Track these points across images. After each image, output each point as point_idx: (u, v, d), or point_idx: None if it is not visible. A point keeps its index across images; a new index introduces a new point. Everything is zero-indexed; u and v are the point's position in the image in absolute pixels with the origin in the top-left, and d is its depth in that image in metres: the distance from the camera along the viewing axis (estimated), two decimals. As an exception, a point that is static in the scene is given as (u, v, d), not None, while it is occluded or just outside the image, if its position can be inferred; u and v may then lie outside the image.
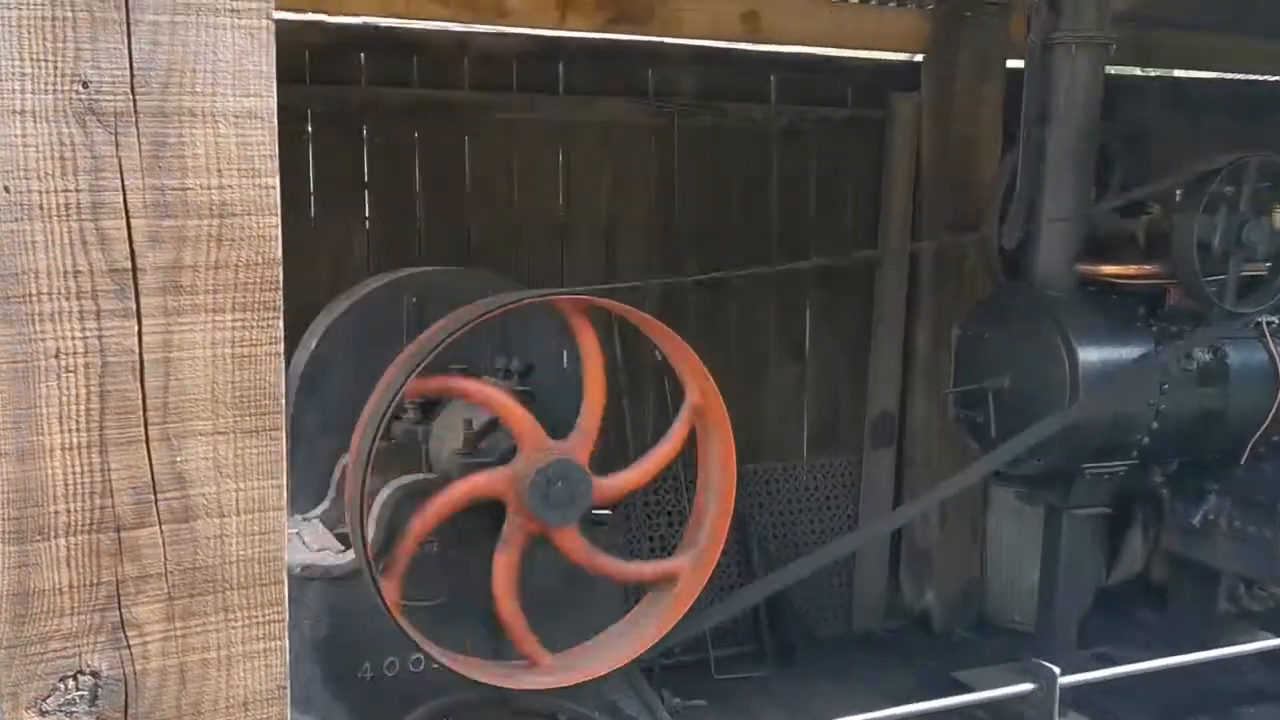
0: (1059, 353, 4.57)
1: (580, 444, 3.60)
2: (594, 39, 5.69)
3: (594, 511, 4.36)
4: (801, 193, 6.42)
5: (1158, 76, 7.36)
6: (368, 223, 5.49)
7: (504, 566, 3.47)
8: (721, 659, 6.04)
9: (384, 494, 3.69)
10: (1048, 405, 4.59)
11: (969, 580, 6.64)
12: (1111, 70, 7.45)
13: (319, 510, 4.15)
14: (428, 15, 5.14)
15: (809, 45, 6.11)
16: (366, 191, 5.48)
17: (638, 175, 6.02)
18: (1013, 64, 6.27)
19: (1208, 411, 4.81)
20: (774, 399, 6.54)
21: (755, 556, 6.33)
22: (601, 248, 5.96)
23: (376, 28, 5.33)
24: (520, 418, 3.51)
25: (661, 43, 5.88)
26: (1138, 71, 7.33)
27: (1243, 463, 5.01)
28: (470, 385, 3.54)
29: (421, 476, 3.73)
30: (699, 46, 5.97)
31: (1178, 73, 7.36)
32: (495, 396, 3.52)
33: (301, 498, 4.21)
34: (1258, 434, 4.91)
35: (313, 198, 5.38)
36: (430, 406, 4.06)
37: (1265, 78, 7.22)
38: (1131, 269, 4.69)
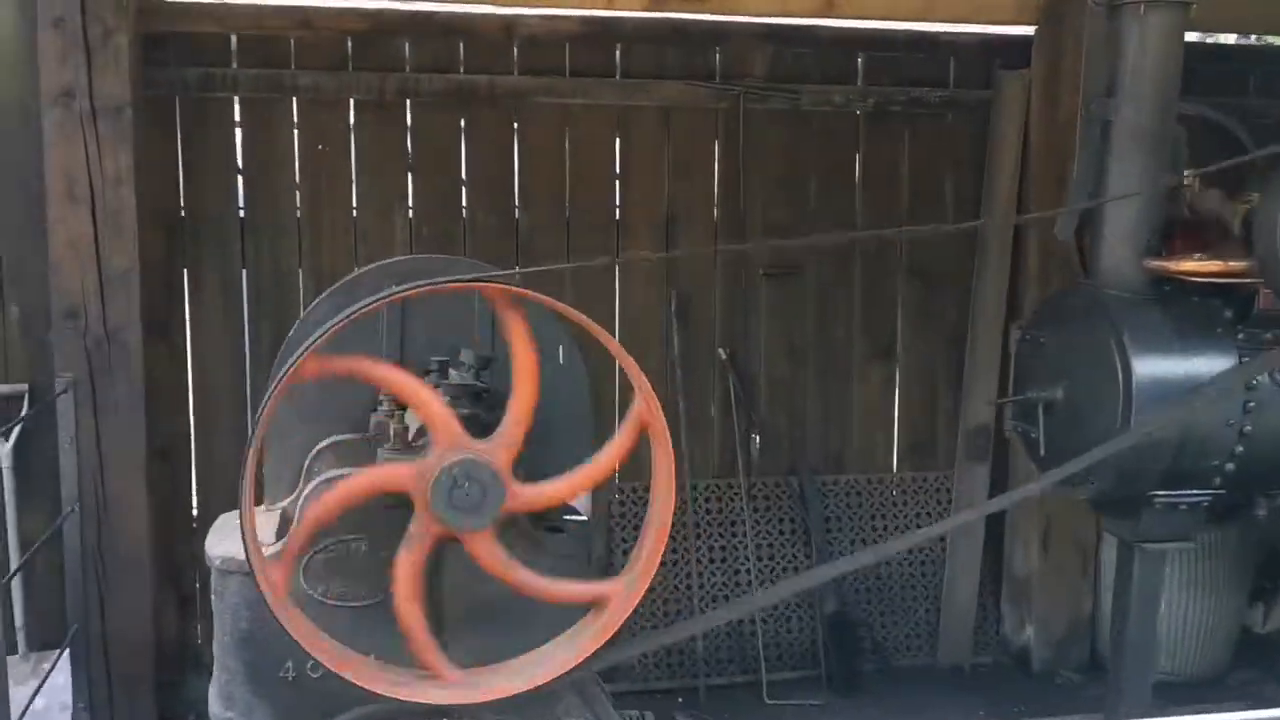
0: (1112, 362, 3.93)
1: (501, 446, 3.34)
2: (652, 19, 5.40)
3: (568, 518, 4.13)
4: (891, 183, 5.90)
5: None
6: (411, 212, 5.40)
7: (405, 566, 3.24)
8: (776, 683, 5.62)
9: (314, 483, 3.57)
10: (1100, 422, 3.97)
11: (1076, 616, 5.93)
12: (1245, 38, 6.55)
13: (286, 501, 4.08)
14: (469, -1, 5.00)
15: (898, 20, 5.59)
16: (410, 180, 5.38)
17: (702, 164, 5.68)
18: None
19: (1311, 435, 4.03)
20: (860, 404, 6.05)
21: (835, 584, 5.86)
22: (661, 241, 5.66)
23: (427, 14, 5.24)
24: (432, 409, 3.28)
25: (727, 21, 5.52)
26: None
27: (1363, 501, 4.18)
28: (378, 370, 3.33)
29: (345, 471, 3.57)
30: (771, 24, 5.57)
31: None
32: (405, 384, 3.29)
33: (278, 487, 4.15)
34: (1384, 465, 4.08)
35: (354, 185, 5.34)
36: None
37: None
38: (1210, 265, 3.97)
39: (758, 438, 5.89)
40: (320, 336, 3.12)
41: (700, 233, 5.70)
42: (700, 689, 5.57)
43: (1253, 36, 6.78)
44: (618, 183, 5.61)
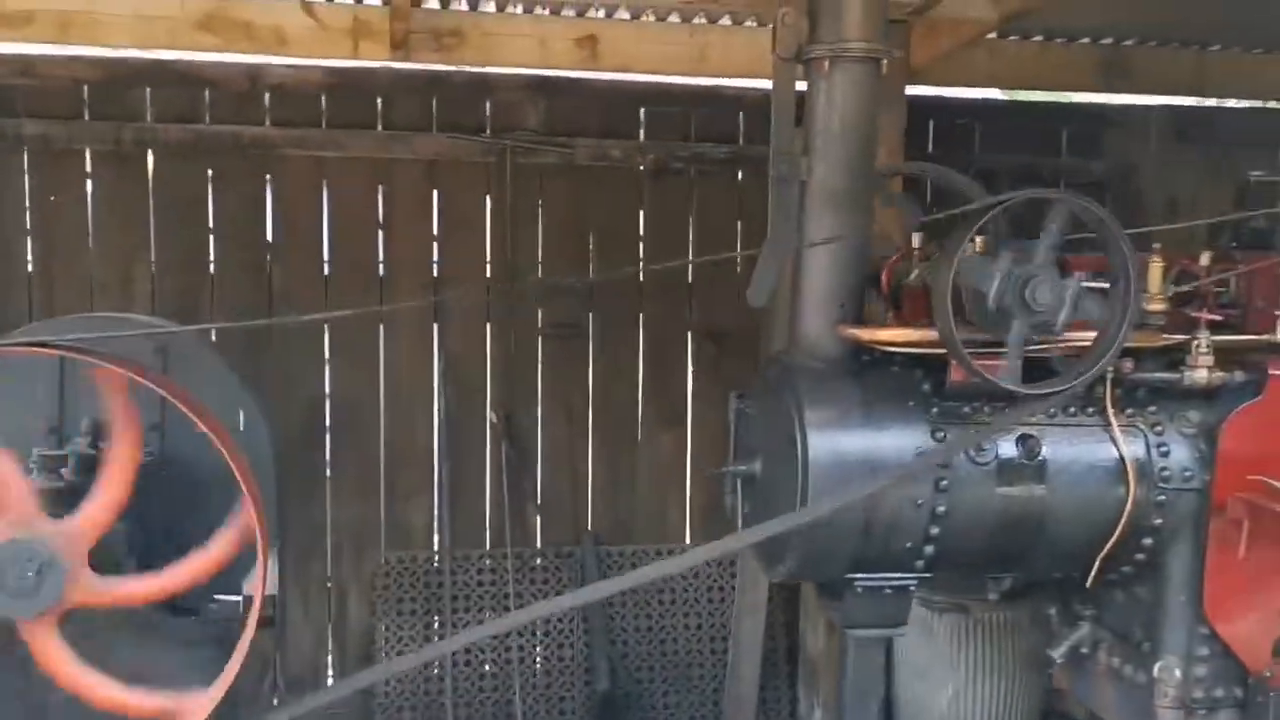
0: (794, 437, 3.65)
1: (77, 531, 3.07)
2: (408, 70, 5.21)
3: (220, 598, 3.87)
4: (678, 239, 5.67)
5: (1161, 106, 6.16)
6: (153, 265, 5.17)
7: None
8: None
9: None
10: (786, 500, 3.69)
11: (880, 699, 5.60)
12: (1098, 98, 6.43)
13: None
14: (193, 45, 4.79)
15: (669, 74, 5.39)
16: (152, 231, 5.17)
17: (472, 219, 5.47)
18: (913, 90, 5.38)
19: (1015, 518, 3.74)
20: (648, 471, 5.78)
21: (609, 660, 5.55)
22: (429, 298, 5.43)
23: (162, 63, 5.06)
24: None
25: (492, 73, 5.33)
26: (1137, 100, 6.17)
27: (1089, 585, 3.89)
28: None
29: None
30: (541, 76, 5.39)
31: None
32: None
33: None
34: (1105, 550, 3.79)
35: (90, 240, 5.12)
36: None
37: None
38: (906, 334, 3.70)
39: (535, 506, 5.61)
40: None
41: (472, 289, 5.47)
42: (449, 775, 5.26)
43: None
44: (381, 238, 5.38)
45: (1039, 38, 5.62)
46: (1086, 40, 5.66)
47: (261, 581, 3.15)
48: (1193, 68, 5.85)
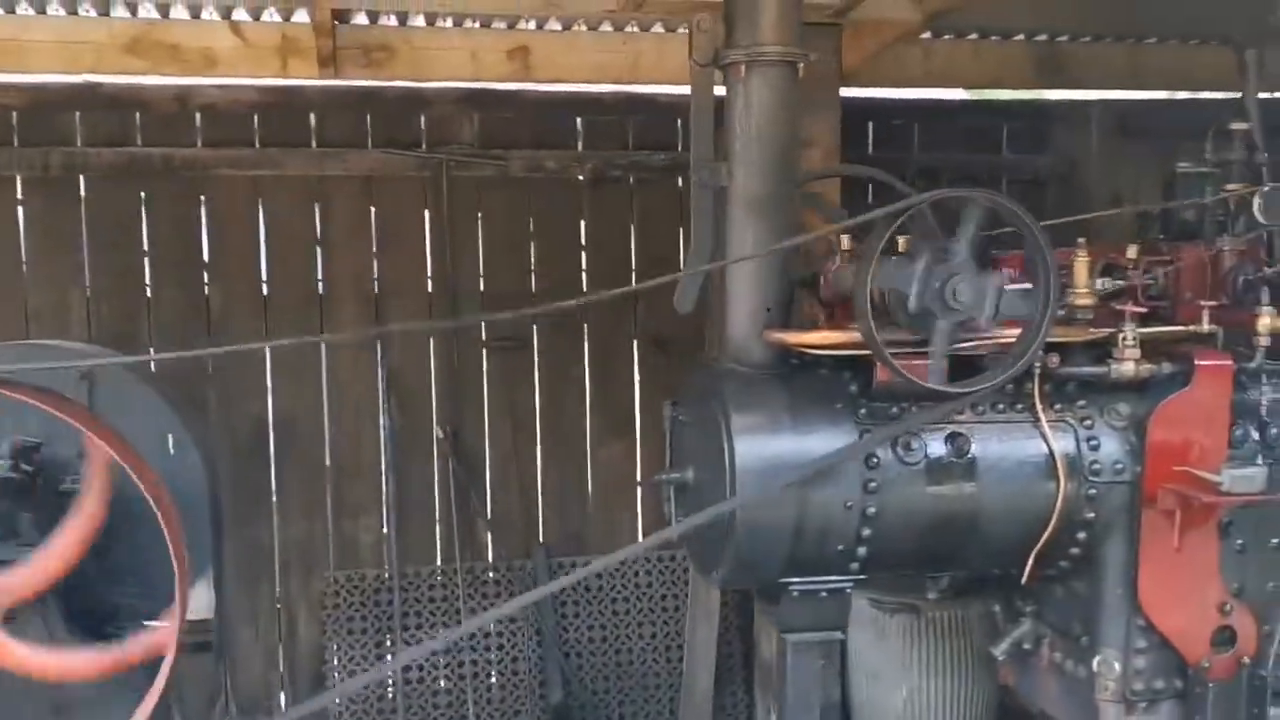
0: (720, 443, 3.64)
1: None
2: (339, 86, 5.19)
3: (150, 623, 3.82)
4: (620, 247, 5.66)
5: (1099, 100, 6.18)
6: (89, 292, 5.13)
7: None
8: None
9: None
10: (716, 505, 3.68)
11: (824, 703, 5.58)
12: (1040, 93, 6.45)
13: None
14: (121, 69, 4.77)
15: (602, 83, 5.38)
16: (86, 256, 5.12)
17: (411, 234, 5.44)
18: (848, 92, 5.38)
19: (946, 516, 3.73)
20: (599, 481, 5.76)
21: (563, 672, 5.53)
22: (370, 315, 5.40)
23: (91, 86, 5.02)
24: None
25: (424, 87, 5.31)
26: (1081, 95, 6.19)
27: (1025, 582, 3.89)
28: None
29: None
30: (473, 89, 5.37)
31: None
32: None
33: None
34: (1038, 546, 3.79)
35: (25, 267, 5.07)
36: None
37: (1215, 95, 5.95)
38: (832, 337, 3.69)
39: (485, 520, 5.58)
40: None
41: (413, 304, 5.46)
42: (398, 791, 5.23)
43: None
44: (319, 255, 5.35)
45: (973, 36, 5.64)
46: (1020, 37, 5.69)
47: (180, 609, 3.11)
48: (1128, 61, 5.89)
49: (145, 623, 3.76)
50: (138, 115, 5.09)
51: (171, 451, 3.99)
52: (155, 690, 3.07)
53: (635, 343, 5.71)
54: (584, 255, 5.60)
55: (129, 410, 3.74)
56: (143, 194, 5.14)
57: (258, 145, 5.19)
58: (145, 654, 3.12)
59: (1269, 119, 3.87)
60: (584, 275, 5.59)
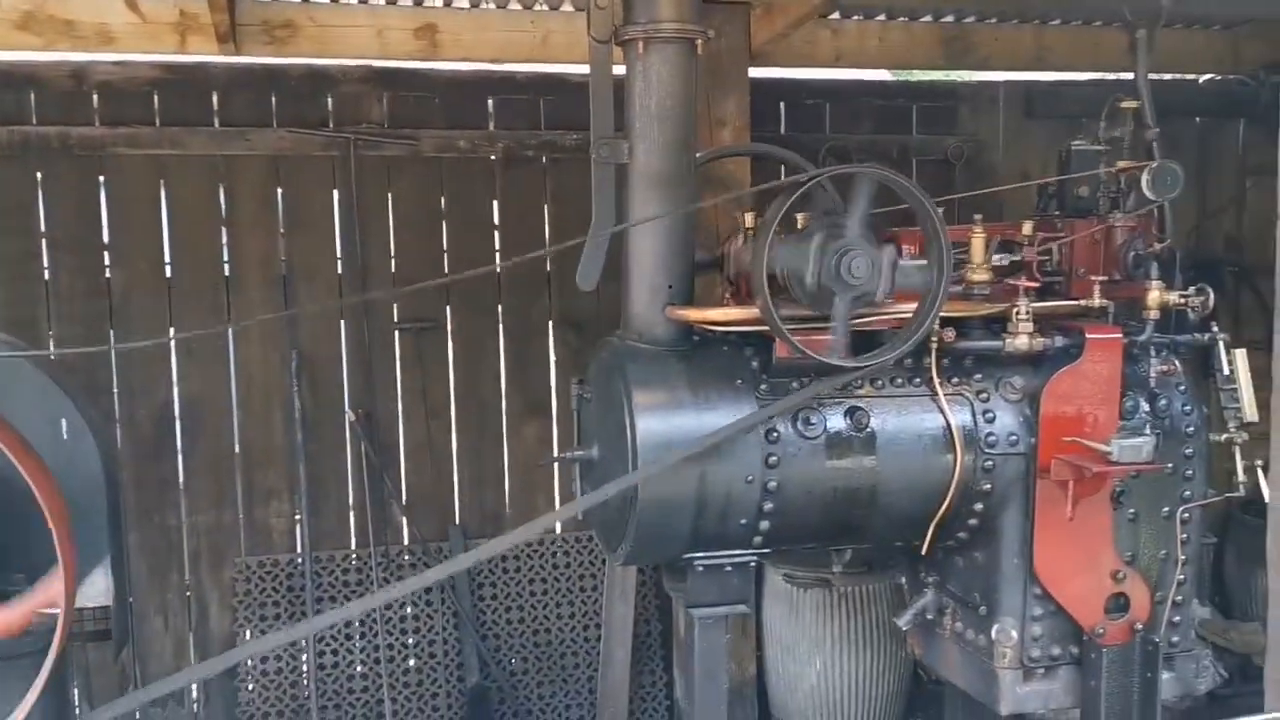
0: (622, 420, 3.66)
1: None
2: (251, 64, 5.09)
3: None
4: (533, 227, 5.63)
5: (1006, 81, 6.28)
6: (-16, 277, 5.00)
7: None
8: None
9: None
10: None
11: (738, 678, 5.65)
12: (946, 75, 6.55)
13: None
14: (12, 45, 4.64)
15: (510, 62, 5.34)
16: (-21, 241, 4.99)
17: (319, 214, 5.36)
18: (759, 73, 5.41)
19: (847, 490, 3.78)
20: (515, 463, 5.74)
21: (480, 655, 5.51)
22: (278, 298, 5.31)
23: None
24: None
25: (333, 65, 5.23)
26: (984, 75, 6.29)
27: (925, 553, 3.95)
28: None
29: None
30: (381, 68, 5.30)
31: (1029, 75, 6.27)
32: None
33: None
34: (937, 517, 3.85)
35: (-87, 252, 4.93)
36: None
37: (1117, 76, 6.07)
38: (730, 313, 3.73)
39: (400, 504, 5.54)
40: None
41: (322, 286, 5.38)
42: (316, 779, 5.18)
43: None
44: (225, 236, 5.25)
45: (881, 17, 5.69)
46: (928, 19, 5.75)
47: (67, 597, 3.05)
48: (1034, 43, 5.98)
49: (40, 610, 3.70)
50: (32, 93, 4.94)
51: (65, 437, 3.90)
52: (45, 669, 3.01)
53: (550, 324, 5.69)
54: (497, 235, 5.57)
55: (18, 393, 3.65)
56: (39, 174, 5.00)
57: (158, 124, 5.07)
58: (28, 615, 3.05)
59: (1158, 97, 3.96)
60: (497, 255, 5.55)
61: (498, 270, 5.38)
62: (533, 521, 3.57)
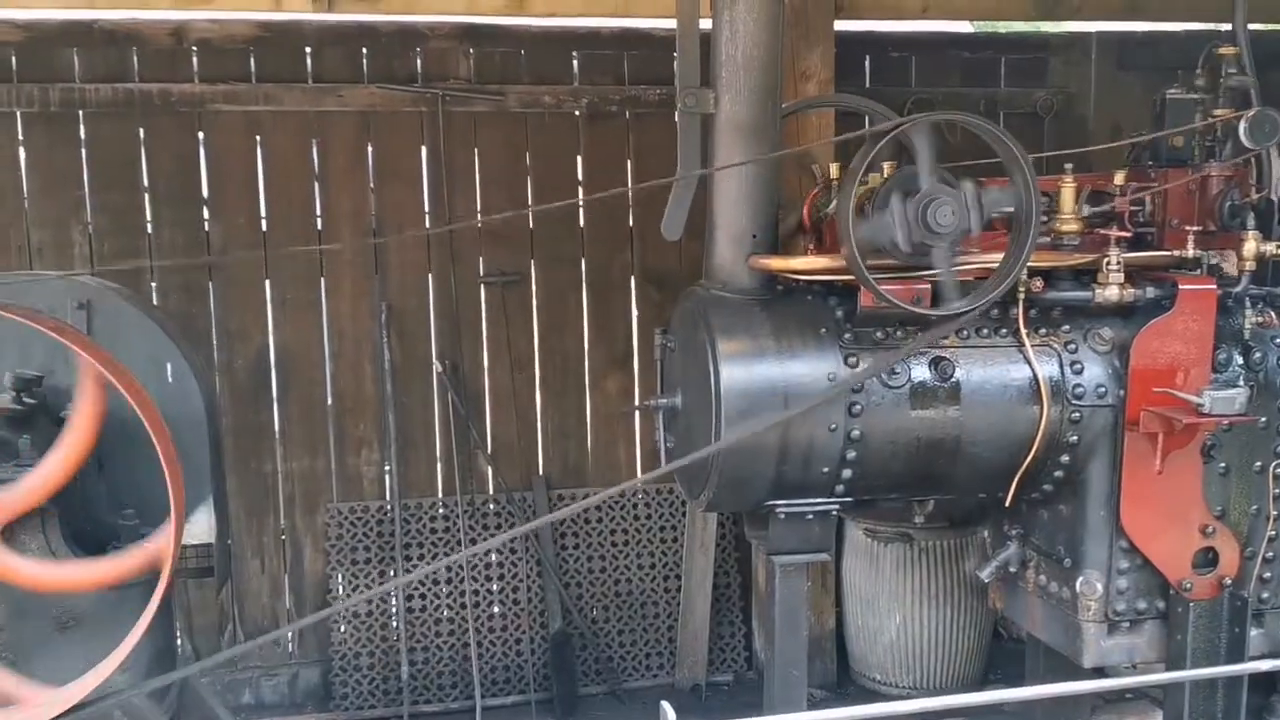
0: (707, 368, 3.70)
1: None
2: (336, 21, 5.20)
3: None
4: (616, 182, 5.67)
5: (1097, 33, 6.14)
6: (90, 228, 5.19)
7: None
8: (494, 709, 5.40)
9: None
10: (704, 430, 3.74)
11: (818, 631, 5.70)
12: (1039, 26, 6.41)
13: None
14: (118, 4, 4.80)
15: (596, 16, 5.38)
16: (88, 193, 5.17)
17: (408, 169, 5.47)
18: (842, 25, 5.37)
19: (930, 440, 3.79)
20: (597, 415, 5.82)
21: (563, 601, 5.63)
22: (368, 250, 5.44)
23: (88, 22, 5.04)
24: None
25: (422, 22, 5.32)
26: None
27: (1009, 504, 3.95)
28: None
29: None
30: (469, 24, 5.37)
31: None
32: None
33: None
34: (1022, 469, 3.84)
35: (26, 203, 5.13)
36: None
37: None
38: (815, 263, 3.74)
39: (486, 454, 5.66)
40: None
41: (411, 239, 5.48)
42: (404, 717, 5.34)
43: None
44: (318, 190, 5.39)
45: (971, -32, 5.60)
46: (1019, -31, 5.65)
47: (176, 532, 3.19)
48: (1127, -9, 5.85)
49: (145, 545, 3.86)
50: (134, 51, 5.10)
51: (170, 380, 4.05)
52: (152, 604, 3.16)
53: (632, 279, 5.74)
54: (580, 190, 5.63)
55: (127, 338, 3.80)
56: (141, 130, 5.17)
57: (254, 81, 5.21)
58: (142, 565, 3.21)
59: (1258, 48, 3.86)
60: (580, 210, 5.61)
61: (579, 205, 5.43)
62: (620, 485, 3.65)
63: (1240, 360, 3.80)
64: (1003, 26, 6.34)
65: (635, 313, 5.78)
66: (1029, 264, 3.51)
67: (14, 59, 5.01)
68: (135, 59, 5.11)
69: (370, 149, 5.39)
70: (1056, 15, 5.91)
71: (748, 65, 3.75)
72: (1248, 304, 3.78)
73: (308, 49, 5.26)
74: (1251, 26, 3.80)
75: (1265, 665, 3.45)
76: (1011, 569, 4.27)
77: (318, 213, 5.39)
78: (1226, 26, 3.86)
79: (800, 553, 3.96)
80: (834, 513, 3.95)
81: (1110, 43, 6.15)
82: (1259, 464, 3.84)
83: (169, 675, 3.47)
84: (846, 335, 3.75)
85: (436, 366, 5.53)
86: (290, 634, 5.49)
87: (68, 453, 3.10)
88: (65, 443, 3.10)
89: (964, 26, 6.52)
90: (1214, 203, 3.86)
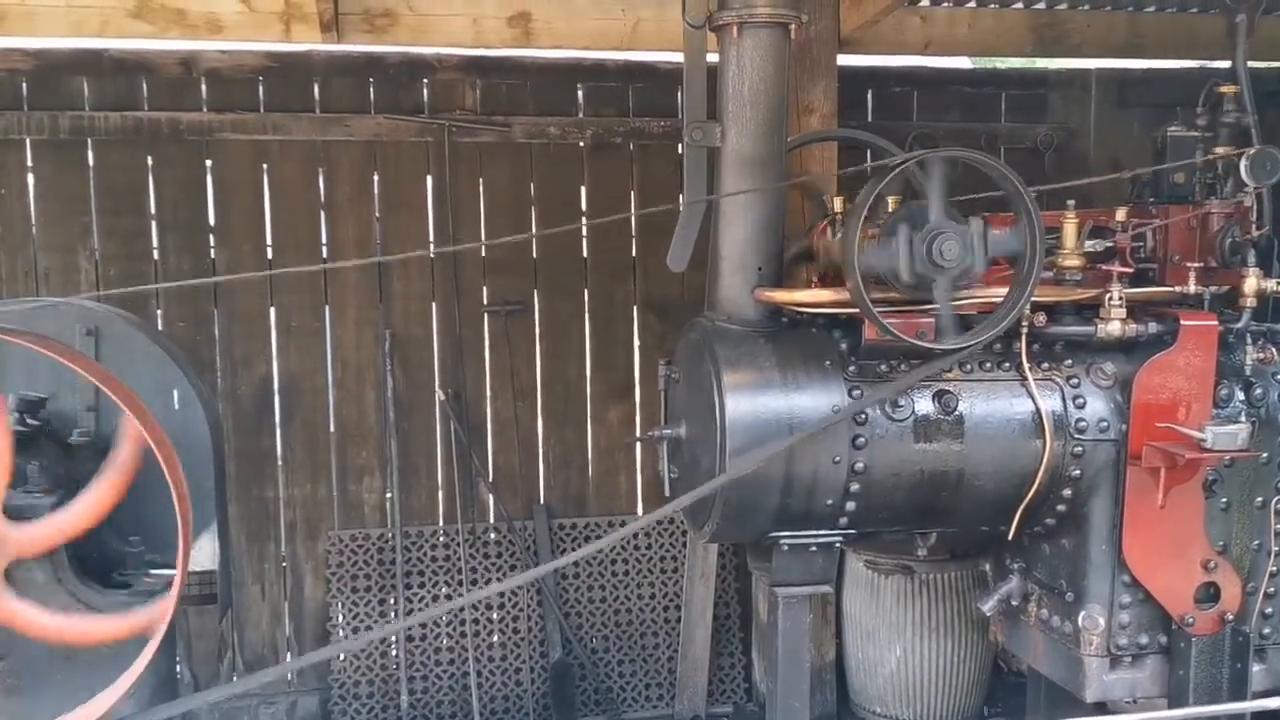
0: (712, 400, 3.72)
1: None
2: (351, 52, 5.25)
3: (156, 572, 3.91)
4: (620, 213, 5.71)
5: (1098, 69, 6.21)
6: (97, 254, 5.21)
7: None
8: (496, 739, 5.38)
9: None
10: (708, 461, 3.75)
11: (819, 663, 5.69)
12: (1039, 63, 6.48)
13: None
14: (127, 33, 4.84)
15: (602, 50, 5.43)
16: (95, 219, 5.20)
17: (413, 198, 5.51)
18: (845, 60, 5.43)
19: (933, 474, 3.80)
20: (599, 445, 5.84)
21: (563, 631, 5.62)
22: (373, 278, 5.47)
23: (98, 51, 5.08)
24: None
25: (429, 53, 5.37)
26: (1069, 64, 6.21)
27: (1012, 538, 3.95)
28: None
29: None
30: (476, 56, 5.43)
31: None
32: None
33: None
34: (1024, 503, 3.85)
35: (34, 229, 5.16)
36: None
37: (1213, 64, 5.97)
38: (820, 295, 3.76)
39: (487, 482, 5.66)
40: None
41: (416, 267, 5.52)
42: (408, 749, 5.34)
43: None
44: (323, 219, 5.42)
45: (972, 4, 5.66)
46: (1019, 5, 5.71)
47: (183, 559, 3.18)
48: (1127, 30, 5.91)
49: (150, 571, 3.86)
50: (144, 80, 5.15)
51: (176, 407, 4.06)
52: (157, 638, 3.14)
53: (635, 309, 5.77)
54: (584, 220, 5.66)
55: (134, 364, 3.81)
56: (149, 158, 5.21)
57: (262, 110, 5.25)
58: (146, 627, 3.18)
59: (1258, 85, 3.91)
60: (584, 240, 5.65)
61: (583, 231, 5.47)
62: (625, 527, 3.66)
63: (1242, 396, 3.82)
64: (1003, 63, 6.40)
65: (637, 342, 5.81)
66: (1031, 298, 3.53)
67: (25, 86, 5.06)
68: (145, 87, 5.16)
69: (376, 178, 5.43)
70: (1057, 52, 5.97)
71: (754, 100, 3.79)
72: (1249, 340, 3.80)
73: (315, 79, 5.31)
74: (1251, 64, 3.84)
75: (1269, 703, 3.45)
76: (1013, 602, 4.26)
77: (323, 241, 5.42)
78: (1226, 64, 3.91)
79: (803, 584, 3.96)
80: (837, 544, 3.95)
81: (1110, 79, 6.21)
82: (1260, 499, 3.85)
83: (173, 705, 3.44)
84: (851, 368, 3.76)
85: (439, 395, 5.55)
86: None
87: (95, 503, 3.08)
88: (103, 484, 3.08)
89: (965, 62, 6.58)
90: (1215, 239, 3.89)
